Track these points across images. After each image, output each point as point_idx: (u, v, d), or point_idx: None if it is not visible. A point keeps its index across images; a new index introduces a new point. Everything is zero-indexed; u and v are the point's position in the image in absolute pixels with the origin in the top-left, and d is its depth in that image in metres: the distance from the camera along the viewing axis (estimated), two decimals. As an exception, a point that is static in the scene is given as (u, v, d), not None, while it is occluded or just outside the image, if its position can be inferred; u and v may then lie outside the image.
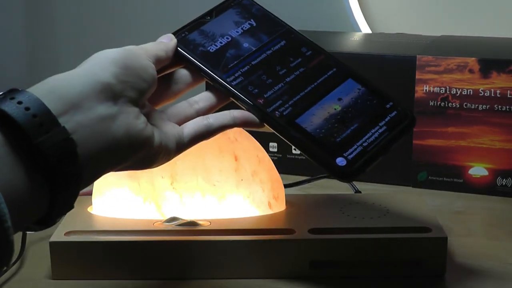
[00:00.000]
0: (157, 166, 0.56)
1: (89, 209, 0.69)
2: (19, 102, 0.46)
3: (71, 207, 0.48)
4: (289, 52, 0.63)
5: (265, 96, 0.60)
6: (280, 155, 0.91)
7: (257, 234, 0.64)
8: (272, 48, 0.63)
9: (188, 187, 0.67)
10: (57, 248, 0.63)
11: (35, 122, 0.46)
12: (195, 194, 0.67)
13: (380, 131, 0.60)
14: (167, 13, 1.24)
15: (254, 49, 0.63)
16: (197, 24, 0.64)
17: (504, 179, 0.83)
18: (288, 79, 0.62)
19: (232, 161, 0.67)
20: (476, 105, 0.82)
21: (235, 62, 0.62)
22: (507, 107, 0.81)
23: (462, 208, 0.81)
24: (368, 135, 0.60)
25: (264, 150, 0.69)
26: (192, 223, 0.65)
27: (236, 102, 0.60)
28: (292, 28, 0.65)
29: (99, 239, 0.63)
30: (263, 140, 0.77)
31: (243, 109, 0.60)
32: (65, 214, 0.49)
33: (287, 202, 0.70)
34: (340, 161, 0.58)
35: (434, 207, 0.72)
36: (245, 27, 0.64)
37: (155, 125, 0.55)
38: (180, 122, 0.58)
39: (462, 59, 0.82)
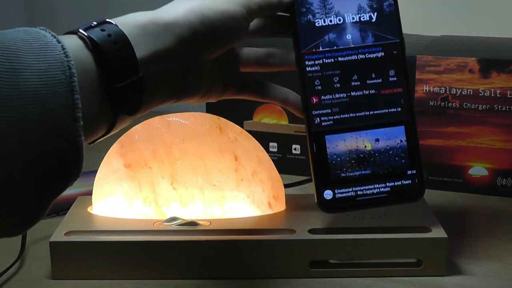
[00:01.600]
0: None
1: (89, 209, 0.69)
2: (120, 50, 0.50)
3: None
4: (377, 67, 0.62)
5: (322, 97, 0.61)
6: (280, 155, 0.91)
7: (257, 234, 0.64)
8: (366, 55, 0.62)
9: (188, 187, 0.67)
10: (57, 248, 0.63)
11: (122, 65, 0.50)
12: (195, 194, 0.67)
13: (382, 190, 0.62)
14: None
15: (352, 46, 0.62)
16: None
17: (504, 179, 0.83)
18: (353, 94, 0.62)
19: (232, 161, 0.67)
20: (476, 105, 0.82)
21: (326, 49, 0.61)
22: (507, 107, 0.81)
23: (462, 208, 0.81)
24: (369, 187, 0.61)
25: (264, 150, 0.69)
26: (192, 223, 0.65)
27: (298, 81, 0.62)
28: (403, 44, 0.63)
29: (99, 239, 0.63)
30: (263, 140, 0.77)
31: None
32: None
33: (287, 202, 0.70)
34: (328, 193, 0.61)
35: (434, 207, 0.72)
36: (363, 18, 0.62)
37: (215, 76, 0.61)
38: (245, 66, 0.63)
39: (462, 59, 0.82)
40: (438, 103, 0.84)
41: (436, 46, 0.89)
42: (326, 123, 0.61)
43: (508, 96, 0.81)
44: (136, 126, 0.69)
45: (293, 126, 0.90)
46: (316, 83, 0.61)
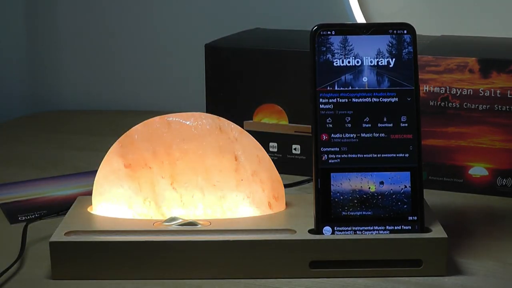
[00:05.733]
0: None
1: (89, 209, 0.69)
2: None
3: None
4: (390, 112, 0.63)
5: (332, 135, 0.63)
6: (280, 155, 0.91)
7: (257, 234, 0.64)
8: (380, 98, 0.63)
9: (188, 187, 0.67)
10: (57, 248, 0.63)
11: None
12: (195, 194, 0.67)
13: (381, 232, 0.63)
14: (167, 21, 1.24)
15: (367, 88, 0.63)
16: (349, 30, 0.64)
17: (504, 179, 0.83)
18: (363, 135, 0.63)
19: (232, 161, 0.67)
20: (476, 105, 0.82)
21: (341, 88, 0.63)
22: (507, 107, 0.81)
23: (462, 208, 0.81)
24: (369, 228, 0.63)
25: (264, 150, 0.69)
26: (192, 223, 0.65)
27: (310, 116, 0.63)
28: (418, 91, 0.64)
29: (99, 239, 0.63)
30: (263, 140, 0.77)
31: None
32: None
33: (287, 202, 0.70)
34: (327, 230, 0.63)
35: (434, 207, 0.72)
36: (381, 63, 0.64)
37: None
38: None
39: (462, 59, 0.82)
40: (438, 103, 0.83)
41: (436, 46, 0.89)
42: (333, 161, 0.63)
43: (508, 96, 0.81)
44: (136, 126, 0.69)
45: (293, 126, 0.90)
46: (328, 121, 0.63)
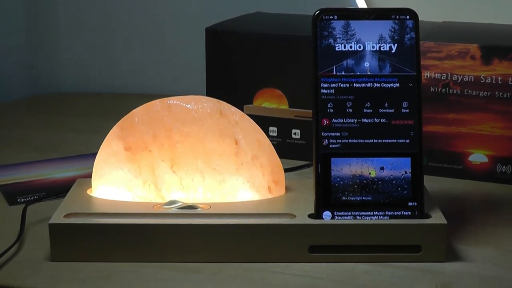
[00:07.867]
0: None
1: (88, 192, 0.69)
2: None
3: None
4: (391, 98, 0.63)
5: (333, 120, 0.63)
6: (280, 140, 0.91)
7: (256, 218, 0.64)
8: (382, 84, 0.63)
9: (188, 170, 0.67)
10: (56, 230, 0.63)
11: None
12: (195, 177, 0.67)
13: (380, 218, 0.63)
14: (167, 4, 1.24)
15: (369, 73, 0.63)
16: (351, 15, 0.64)
17: (504, 166, 0.83)
18: (364, 120, 0.63)
19: (233, 145, 0.67)
20: (477, 92, 0.82)
21: (343, 73, 0.63)
22: (508, 94, 0.81)
23: (462, 194, 0.81)
24: (369, 213, 0.63)
25: (265, 134, 0.69)
26: (192, 207, 0.65)
27: (311, 101, 0.63)
28: (419, 77, 0.64)
29: (99, 222, 0.63)
30: (263, 124, 0.76)
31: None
32: None
33: (287, 186, 0.70)
34: (327, 214, 0.63)
35: (434, 193, 0.72)
36: (383, 48, 0.64)
37: None
38: None
39: (463, 46, 0.82)
40: (439, 89, 0.83)
41: (437, 32, 0.89)
42: (333, 146, 0.63)
43: (510, 83, 0.81)
44: (137, 109, 0.68)
45: (293, 110, 0.90)
46: (329, 106, 0.63)
